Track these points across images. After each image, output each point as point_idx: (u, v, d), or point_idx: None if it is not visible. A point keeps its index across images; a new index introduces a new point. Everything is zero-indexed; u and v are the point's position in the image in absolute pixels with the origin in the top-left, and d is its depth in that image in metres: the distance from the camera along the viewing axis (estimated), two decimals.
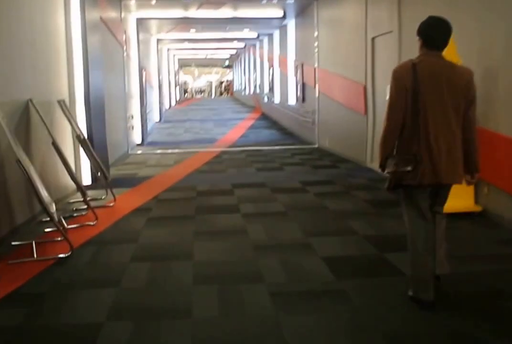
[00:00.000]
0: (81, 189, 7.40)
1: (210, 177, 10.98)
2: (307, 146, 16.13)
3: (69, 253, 5.71)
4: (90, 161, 8.86)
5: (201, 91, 74.36)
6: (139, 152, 15.80)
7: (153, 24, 20.96)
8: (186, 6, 17.04)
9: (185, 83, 69.06)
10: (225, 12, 17.61)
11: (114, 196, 8.57)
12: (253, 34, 25.77)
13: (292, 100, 20.66)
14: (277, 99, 24.51)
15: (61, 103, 8.41)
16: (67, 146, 9.02)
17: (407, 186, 4.06)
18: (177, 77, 47.77)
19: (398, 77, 4.03)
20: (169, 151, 15.79)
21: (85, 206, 7.51)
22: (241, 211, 7.72)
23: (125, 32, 15.61)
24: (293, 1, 15.81)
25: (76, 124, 8.72)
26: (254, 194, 9.01)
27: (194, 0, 16.06)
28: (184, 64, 58.40)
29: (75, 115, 9.34)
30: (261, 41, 29.29)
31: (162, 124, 25.22)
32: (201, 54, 43.05)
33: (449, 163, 3.98)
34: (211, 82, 74.29)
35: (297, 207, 7.93)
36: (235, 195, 8.91)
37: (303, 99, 18.11)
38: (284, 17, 18.20)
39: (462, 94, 4.00)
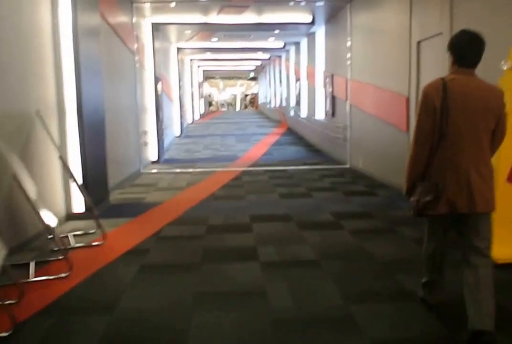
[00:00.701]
0: (48, 226, 5.63)
1: (226, 206, 9.34)
2: (337, 166, 14.45)
3: (10, 332, 4.06)
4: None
5: (226, 104, 73.01)
6: (152, 170, 14.25)
7: (172, 31, 19.42)
8: (206, 11, 15.49)
9: (209, 95, 67.68)
10: (249, 17, 15.98)
11: (103, 231, 6.96)
12: (279, 44, 24.18)
13: (320, 115, 19.00)
14: (304, 113, 22.85)
15: (38, 114, 6.85)
16: (50, 165, 7.47)
17: (429, 216, 3.94)
18: (201, 89, 46.35)
19: (427, 96, 3.76)
20: (185, 170, 14.23)
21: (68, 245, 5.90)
22: (260, 257, 6.07)
23: (137, 38, 14.07)
24: (323, 3, 14.10)
25: (53, 139, 7.08)
26: (277, 231, 7.37)
27: (215, 4, 14.46)
28: (208, 75, 57.11)
29: (64, 128, 7.83)
30: (287, 52, 27.74)
31: (182, 139, 23.66)
32: (225, 66, 41.57)
33: (478, 192, 3.69)
34: (235, 95, 72.95)
35: (331, 253, 6.26)
36: (253, 232, 7.27)
37: (333, 114, 16.43)
38: (312, 22, 16.52)
39: (495, 116, 3.75)
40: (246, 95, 71.28)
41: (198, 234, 7.22)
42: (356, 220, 7.84)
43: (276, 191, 10.59)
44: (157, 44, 17.01)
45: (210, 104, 65.62)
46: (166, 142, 19.90)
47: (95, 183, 8.67)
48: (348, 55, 13.99)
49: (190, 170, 14.24)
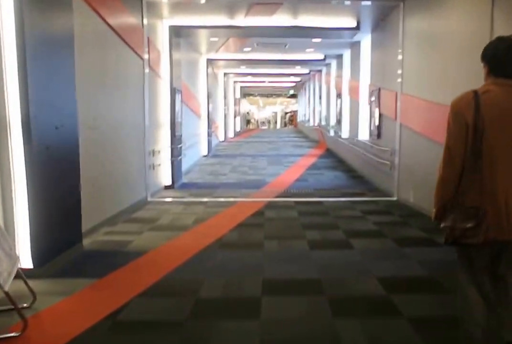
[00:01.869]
0: None
1: (233, 261, 6.80)
2: (382, 198, 11.84)
3: None
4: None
5: (266, 122, 70.92)
6: (162, 199, 11.89)
7: (198, 39, 17.09)
8: (233, 12, 13.06)
9: (248, 113, 65.56)
10: (282, 19, 13.52)
11: (24, 318, 4.43)
12: (319, 56, 21.66)
13: (363, 135, 16.41)
14: (345, 133, 20.25)
15: None
16: None
17: (465, 245, 3.31)
18: (238, 106, 44.04)
19: (458, 111, 3.28)
20: (200, 199, 11.83)
21: None
22: None
23: (150, 43, 11.71)
24: (370, 2, 11.57)
25: None
26: (299, 315, 4.81)
27: (243, 3, 12.04)
28: (247, 92, 54.96)
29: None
30: (328, 66, 25.22)
31: (209, 159, 21.24)
32: (263, 82, 39.17)
33: None
34: (276, 113, 70.89)
35: None
36: (261, 319, 4.70)
37: (379, 134, 13.84)
38: (357, 27, 13.98)
39: None
40: (286, 113, 69.31)
41: (178, 319, 4.70)
42: (418, 295, 5.26)
43: (305, 236, 8.03)
44: (180, 53, 14.71)
45: (248, 122, 63.45)
46: (189, 162, 17.65)
47: (56, 225, 6.27)
48: (400, 66, 11.43)
49: (206, 199, 11.81)
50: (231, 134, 36.39)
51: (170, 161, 13.58)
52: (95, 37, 8.52)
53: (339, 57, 21.36)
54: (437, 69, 9.31)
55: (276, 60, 22.10)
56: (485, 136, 3.21)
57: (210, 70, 23.47)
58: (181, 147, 14.68)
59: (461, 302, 3.51)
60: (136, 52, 10.79)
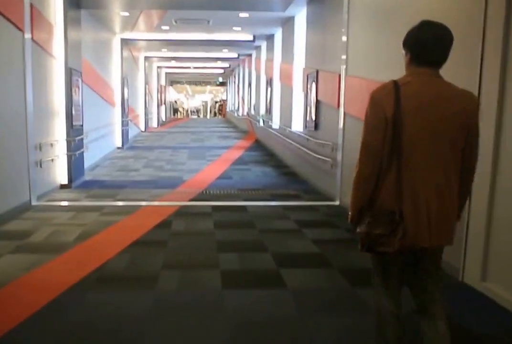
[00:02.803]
0: None
1: (106, 312, 4.58)
2: (322, 202, 9.89)
3: None
4: None
5: (196, 111, 68.50)
6: (50, 203, 9.68)
7: (106, 12, 14.72)
8: None
9: (175, 102, 62.97)
10: None
11: None
12: (247, 36, 19.44)
13: (297, 126, 14.39)
14: (276, 122, 18.20)
15: None
16: None
17: (380, 253, 2.95)
18: (162, 94, 41.49)
19: (376, 102, 2.93)
20: (98, 203, 9.68)
21: None
22: None
23: (36, 12, 9.35)
24: None
25: None
26: None
27: None
28: (173, 80, 52.45)
29: None
30: (258, 49, 23.17)
31: (123, 151, 18.85)
32: (189, 68, 36.76)
33: (439, 221, 2.94)
34: (206, 102, 68.58)
35: None
36: None
37: (316, 125, 11.83)
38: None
39: (463, 128, 2.93)
40: (216, 102, 67.13)
41: None
42: None
43: (218, 265, 5.92)
44: (84, 29, 12.47)
45: (175, 111, 60.90)
46: (97, 156, 15.37)
47: None
48: (345, 43, 9.43)
49: (105, 203, 9.62)
50: (154, 123, 33.93)
51: (66, 156, 11.27)
52: None
53: (270, 38, 19.33)
54: (391, 43, 7.30)
55: (199, 40, 19.80)
56: (404, 132, 2.86)
57: (126, 53, 21.06)
58: (82, 139, 12.35)
59: (375, 316, 3.18)
60: (15, 24, 8.50)
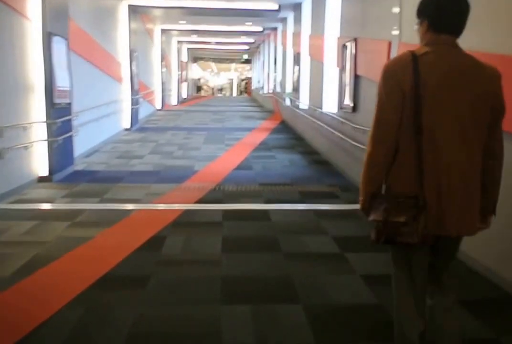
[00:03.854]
0: None
1: None
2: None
3: None
4: None
5: (220, 89, 65.94)
6: (15, 206, 7.55)
7: None
8: None
9: (199, 79, 60.46)
10: None
11: None
12: (272, 5, 16.96)
13: (330, 106, 12.02)
14: (304, 102, 15.80)
15: None
16: None
17: (404, 243, 2.62)
18: (184, 71, 39.09)
19: (392, 75, 2.64)
20: (75, 206, 7.52)
21: None
22: None
23: None
24: None
25: None
26: None
27: None
28: (197, 56, 50.04)
29: None
30: (284, 22, 20.70)
31: (131, 134, 16.50)
32: (211, 43, 34.31)
33: (463, 207, 2.65)
34: (232, 80, 66.01)
35: None
36: None
37: (354, 107, 9.45)
38: None
39: (488, 103, 2.64)
40: (242, 80, 64.63)
41: None
42: None
43: (221, 335, 3.65)
44: None
45: (199, 88, 58.49)
46: (97, 139, 13.25)
47: None
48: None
49: (85, 206, 7.45)
50: (174, 101, 31.59)
51: (47, 143, 9.07)
52: None
53: (297, 8, 16.86)
54: None
55: (219, 9, 17.38)
56: (426, 108, 2.56)
57: (137, 23, 18.69)
58: (70, 121, 10.11)
59: (395, 315, 2.88)
60: None
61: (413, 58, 2.61)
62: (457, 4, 2.65)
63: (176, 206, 7.43)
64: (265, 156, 12.53)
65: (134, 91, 17.41)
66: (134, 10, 17.47)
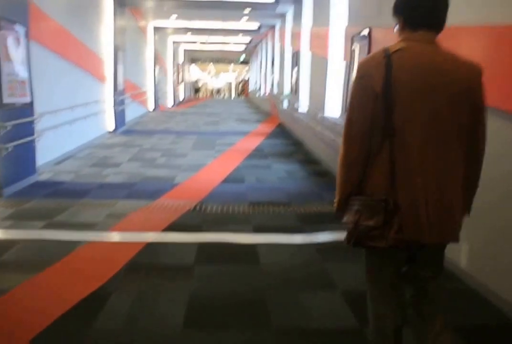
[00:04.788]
0: None
1: None
2: None
3: None
4: None
5: (220, 91, 63.90)
6: None
7: None
8: None
9: (197, 81, 58.40)
10: None
11: None
12: None
13: (333, 109, 10.16)
14: (304, 105, 13.92)
15: None
16: None
17: (372, 247, 2.46)
18: (180, 72, 37.11)
19: (364, 74, 2.46)
20: (5, 235, 5.68)
21: None
22: None
23: None
24: None
25: None
26: None
27: None
28: (194, 58, 48.12)
29: None
30: (283, 18, 18.86)
31: (114, 137, 14.55)
32: (207, 43, 32.38)
33: (441, 214, 2.44)
34: (230, 83, 64.03)
35: None
36: None
37: None
38: None
39: (468, 102, 2.44)
40: (240, 82, 62.70)
41: None
42: None
43: None
44: None
45: (197, 90, 56.50)
46: (72, 144, 11.41)
47: None
48: None
49: (23, 234, 5.61)
50: (169, 103, 29.69)
51: None
52: None
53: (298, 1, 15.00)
54: None
55: (214, 1, 15.49)
56: (398, 107, 2.37)
57: (125, 18, 16.80)
58: (30, 124, 8.26)
59: (370, 320, 2.69)
60: None
61: (386, 55, 2.40)
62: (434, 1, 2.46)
63: (137, 237, 5.56)
64: (259, 165, 10.64)
65: (118, 91, 15.46)
66: (120, 2, 15.53)
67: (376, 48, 7.03)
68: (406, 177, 2.39)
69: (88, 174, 9.35)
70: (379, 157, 2.43)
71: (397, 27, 2.56)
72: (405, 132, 2.38)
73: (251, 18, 20.44)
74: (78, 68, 11.90)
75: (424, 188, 2.40)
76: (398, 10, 2.56)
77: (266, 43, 27.07)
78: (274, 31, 22.64)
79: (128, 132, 15.89)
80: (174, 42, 31.07)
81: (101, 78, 14.18)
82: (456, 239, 2.53)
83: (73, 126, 11.03)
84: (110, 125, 15.08)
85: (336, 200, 2.59)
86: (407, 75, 2.38)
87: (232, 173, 9.67)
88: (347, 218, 2.50)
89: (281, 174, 9.73)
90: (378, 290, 2.65)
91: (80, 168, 9.91)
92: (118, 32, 15.39)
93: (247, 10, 17.83)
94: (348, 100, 2.50)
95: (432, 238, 2.44)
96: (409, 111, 2.38)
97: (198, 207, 7.02)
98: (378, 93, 2.37)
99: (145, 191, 8.04)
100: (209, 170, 10.01)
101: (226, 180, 9.03)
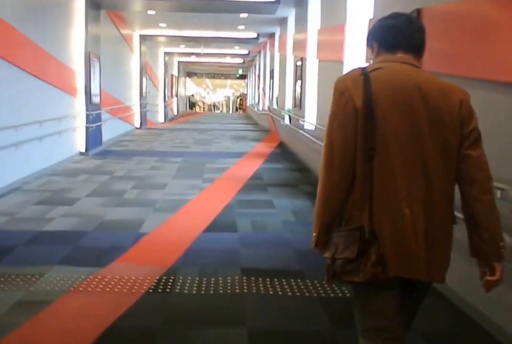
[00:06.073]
0: None
1: None
2: None
3: None
4: None
5: (218, 106, 61.61)
6: None
7: None
8: None
9: (193, 95, 55.98)
10: None
11: None
12: None
13: None
14: (310, 121, 11.40)
15: None
16: None
17: (351, 282, 2.17)
18: (174, 86, 34.61)
19: (343, 92, 2.15)
20: None
21: None
22: None
23: None
24: None
25: None
26: None
27: None
28: (190, 71, 45.77)
29: None
30: (284, 23, 16.43)
31: (84, 161, 11.87)
32: (200, 54, 29.89)
33: (430, 246, 2.12)
34: (228, 97, 61.82)
35: None
36: None
37: None
38: None
39: (453, 124, 2.15)
40: (238, 97, 60.49)
41: None
42: None
43: None
44: None
45: (192, 105, 54.08)
46: (23, 172, 9.25)
47: None
48: None
49: None
50: (160, 118, 27.12)
51: None
52: None
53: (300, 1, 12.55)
54: None
55: (204, 4, 12.99)
56: (378, 127, 2.09)
57: (101, 23, 14.26)
58: None
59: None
60: None
61: (363, 73, 2.15)
62: (411, 23, 2.25)
63: None
64: (257, 201, 8.09)
65: (92, 106, 12.88)
66: (94, 4, 12.97)
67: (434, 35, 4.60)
68: (387, 205, 2.07)
69: (27, 218, 6.81)
70: (357, 181, 2.10)
71: (372, 56, 2.31)
72: (385, 153, 2.08)
73: (248, 25, 17.93)
74: (37, 79, 9.50)
75: (406, 217, 2.07)
76: (371, 37, 2.32)
77: (265, 55, 24.71)
78: (273, 40, 20.17)
79: (103, 153, 13.31)
80: (166, 53, 28.60)
81: (70, 91, 11.65)
82: (443, 279, 2.20)
83: (25, 148, 8.56)
84: (81, 146, 12.49)
85: (314, 235, 2.19)
86: (387, 93, 2.10)
87: (220, 215, 7.12)
88: (326, 252, 2.14)
89: (287, 216, 7.15)
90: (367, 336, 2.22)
91: (21, 206, 7.38)
92: (91, 39, 12.84)
93: (244, 15, 15.34)
94: (329, 120, 2.14)
95: (428, 274, 2.12)
96: (390, 130, 2.09)
97: (162, 284, 4.46)
98: (359, 109, 2.07)
99: (94, 248, 5.51)
100: (191, 210, 7.45)
101: (212, 227, 6.49)
